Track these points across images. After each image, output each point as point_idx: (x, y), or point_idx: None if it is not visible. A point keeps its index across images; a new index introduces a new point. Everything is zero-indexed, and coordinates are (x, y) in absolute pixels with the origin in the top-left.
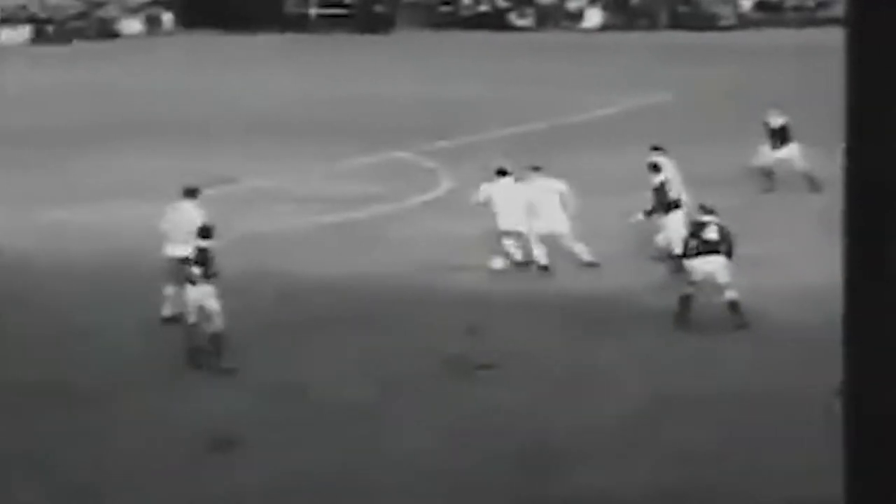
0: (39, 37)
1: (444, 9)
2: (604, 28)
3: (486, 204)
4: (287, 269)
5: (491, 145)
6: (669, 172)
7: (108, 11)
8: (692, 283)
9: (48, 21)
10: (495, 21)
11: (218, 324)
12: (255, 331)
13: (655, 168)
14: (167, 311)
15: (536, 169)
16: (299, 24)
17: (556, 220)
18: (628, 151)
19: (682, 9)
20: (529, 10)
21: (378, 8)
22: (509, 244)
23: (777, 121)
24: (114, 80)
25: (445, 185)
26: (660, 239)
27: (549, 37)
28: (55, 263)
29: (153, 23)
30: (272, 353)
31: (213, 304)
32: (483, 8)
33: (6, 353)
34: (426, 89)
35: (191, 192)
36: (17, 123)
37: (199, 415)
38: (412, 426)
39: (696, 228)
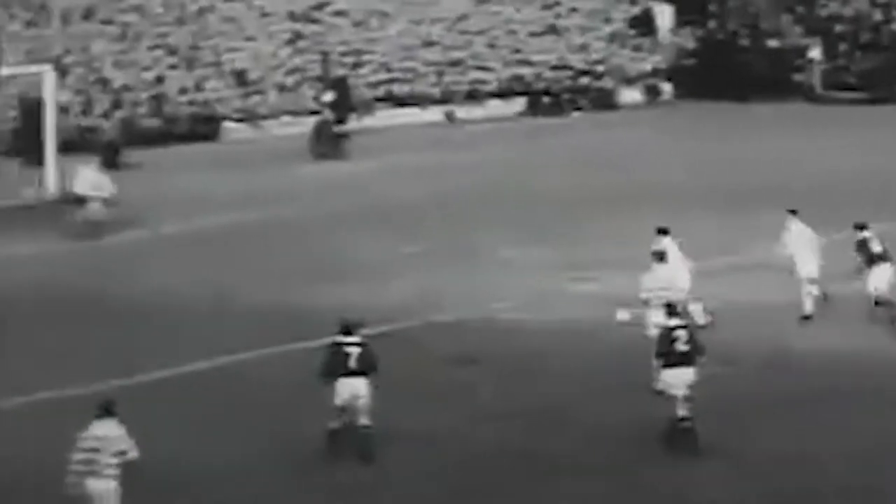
0: (533, 108)
1: None
2: None
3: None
4: (780, 340)
5: None
6: None
7: (607, 82)
8: None
9: (544, 93)
10: None
11: (689, 403)
12: (749, 402)
13: (860, 227)
14: (658, 385)
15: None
16: (807, 94)
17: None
18: None
19: None
20: None
21: None
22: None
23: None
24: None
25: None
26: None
27: None
28: (557, 331)
29: (652, 93)
30: (766, 426)
31: (688, 383)
32: None
33: (489, 422)
34: None
35: (659, 256)
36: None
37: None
38: None
39: None
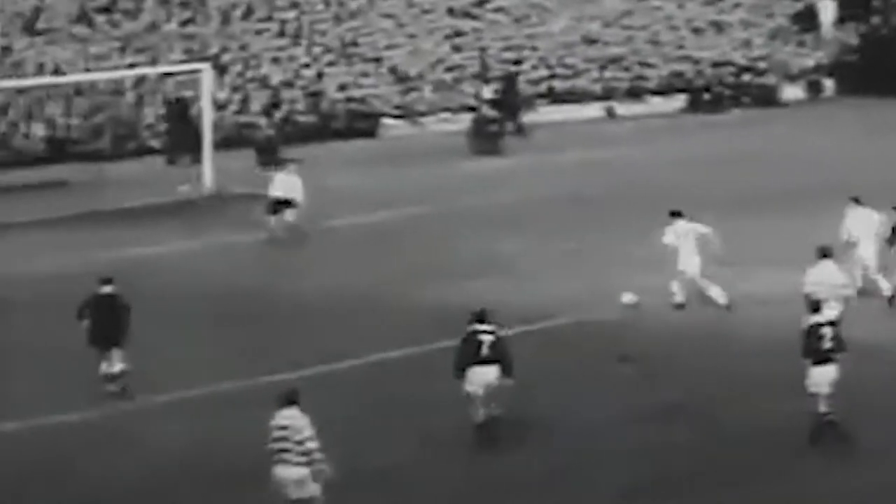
0: (694, 105)
1: None
2: None
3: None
4: None
5: None
6: None
7: (769, 79)
8: None
9: (705, 90)
10: None
11: (830, 400)
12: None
13: None
14: (807, 383)
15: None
16: None
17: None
18: None
19: None
20: None
21: None
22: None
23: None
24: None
25: None
26: None
27: None
28: (711, 329)
29: (814, 89)
30: None
31: (831, 381)
32: None
33: (643, 418)
34: None
35: (825, 253)
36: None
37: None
38: None
39: None
